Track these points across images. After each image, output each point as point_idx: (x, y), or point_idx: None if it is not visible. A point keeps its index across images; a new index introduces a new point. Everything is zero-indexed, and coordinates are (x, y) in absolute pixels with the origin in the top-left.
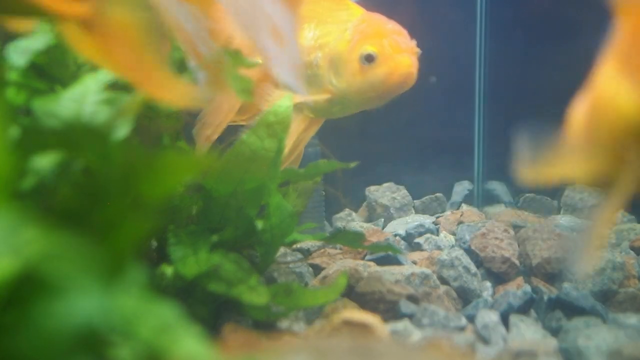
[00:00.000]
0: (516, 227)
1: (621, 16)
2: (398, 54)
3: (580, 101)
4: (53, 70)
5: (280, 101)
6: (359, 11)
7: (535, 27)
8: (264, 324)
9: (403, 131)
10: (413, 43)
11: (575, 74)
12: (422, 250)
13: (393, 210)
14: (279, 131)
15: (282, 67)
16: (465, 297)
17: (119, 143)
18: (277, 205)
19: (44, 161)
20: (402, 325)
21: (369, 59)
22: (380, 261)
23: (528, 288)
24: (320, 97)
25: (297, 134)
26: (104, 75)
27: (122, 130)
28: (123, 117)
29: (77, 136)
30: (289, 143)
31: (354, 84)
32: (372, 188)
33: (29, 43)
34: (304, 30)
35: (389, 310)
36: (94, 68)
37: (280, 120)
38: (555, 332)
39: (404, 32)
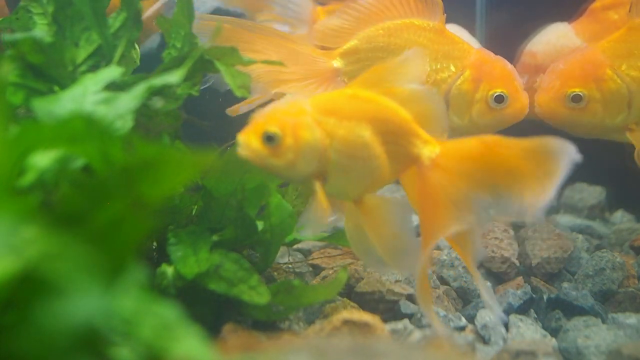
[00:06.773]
0: (516, 227)
1: None
2: (521, 94)
3: None
4: (50, 70)
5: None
6: (468, 46)
7: (535, 27)
8: (264, 324)
9: None
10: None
11: None
12: None
13: None
14: None
15: None
16: (465, 297)
17: (119, 138)
18: (277, 205)
19: (44, 158)
20: (402, 325)
21: (499, 100)
22: None
23: (528, 288)
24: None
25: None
26: (103, 76)
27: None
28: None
29: (77, 129)
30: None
31: (478, 122)
32: None
33: None
34: None
35: (389, 310)
36: (91, 68)
37: None
38: (554, 332)
39: (514, 69)
